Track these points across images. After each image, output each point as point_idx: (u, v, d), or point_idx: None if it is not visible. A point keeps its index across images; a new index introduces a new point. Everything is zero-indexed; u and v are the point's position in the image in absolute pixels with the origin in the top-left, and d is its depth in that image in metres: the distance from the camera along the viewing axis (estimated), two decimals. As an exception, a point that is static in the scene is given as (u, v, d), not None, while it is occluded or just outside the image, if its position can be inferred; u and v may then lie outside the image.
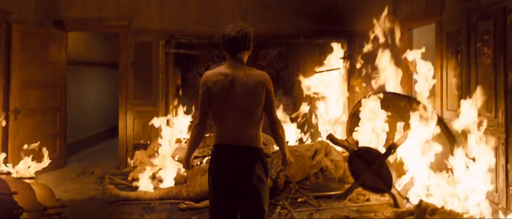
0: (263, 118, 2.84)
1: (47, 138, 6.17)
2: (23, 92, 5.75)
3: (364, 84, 6.37)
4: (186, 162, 3.00)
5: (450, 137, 4.55)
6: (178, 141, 6.13)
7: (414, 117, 4.61)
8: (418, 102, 4.70)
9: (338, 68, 6.71)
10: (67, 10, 6.59)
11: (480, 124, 4.00)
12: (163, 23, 6.66)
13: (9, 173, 4.21)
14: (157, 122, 6.00)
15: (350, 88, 6.62)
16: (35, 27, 6.09)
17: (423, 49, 5.11)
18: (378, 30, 6.03)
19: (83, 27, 6.80)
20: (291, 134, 6.35)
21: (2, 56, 5.48)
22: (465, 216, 3.72)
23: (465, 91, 4.52)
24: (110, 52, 8.57)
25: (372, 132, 4.83)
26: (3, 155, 4.78)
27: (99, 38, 8.74)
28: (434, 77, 5.10)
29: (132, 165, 6.05)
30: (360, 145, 4.80)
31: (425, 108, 4.61)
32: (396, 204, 4.30)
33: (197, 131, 2.87)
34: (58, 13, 6.57)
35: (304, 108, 6.67)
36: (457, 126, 4.25)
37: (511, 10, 3.87)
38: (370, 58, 6.44)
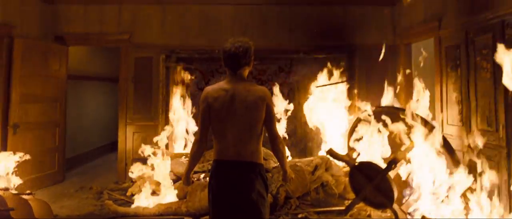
0: (263, 133, 2.83)
1: (46, 153, 6.16)
2: (23, 106, 5.74)
3: (364, 100, 6.36)
4: (186, 177, 2.98)
5: (451, 153, 4.53)
6: (178, 155, 6.10)
7: (415, 132, 4.59)
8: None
9: (338, 83, 6.71)
10: (68, 25, 6.63)
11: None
12: (164, 38, 6.69)
13: (6, 189, 4.18)
14: (162, 140, 5.92)
15: (351, 102, 6.61)
16: (37, 41, 6.12)
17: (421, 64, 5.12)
18: (378, 44, 6.06)
19: (84, 41, 6.83)
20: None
21: (3, 70, 5.50)
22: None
23: (465, 106, 4.51)
24: (111, 66, 8.60)
25: (373, 147, 4.80)
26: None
27: (100, 53, 8.77)
28: (433, 92, 5.10)
29: (131, 179, 6.01)
30: (361, 159, 4.77)
31: (425, 123, 4.59)
32: (397, 220, 4.25)
33: (198, 146, 2.86)
34: (60, 28, 6.61)
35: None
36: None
37: (509, 25, 3.89)
38: (370, 72, 6.47)
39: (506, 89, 3.82)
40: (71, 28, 6.63)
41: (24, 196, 4.10)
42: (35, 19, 6.23)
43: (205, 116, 2.80)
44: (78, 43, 6.81)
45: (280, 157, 2.90)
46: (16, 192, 4.33)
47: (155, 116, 6.62)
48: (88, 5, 6.63)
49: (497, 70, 3.96)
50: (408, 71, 5.70)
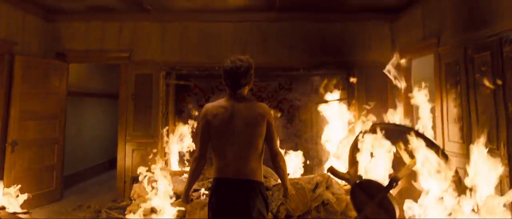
0: (264, 150, 2.81)
1: (44, 171, 6.12)
2: (22, 124, 5.73)
3: (365, 116, 6.36)
4: (186, 195, 2.96)
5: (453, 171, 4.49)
6: (177, 173, 6.06)
7: (418, 149, 4.56)
8: (413, 131, 4.64)
9: (339, 99, 6.71)
10: (70, 42, 6.66)
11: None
12: (164, 55, 6.72)
13: (3, 208, 4.13)
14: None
15: (351, 118, 6.60)
16: (37, 58, 6.15)
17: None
18: (378, 61, 6.08)
19: (84, 58, 6.84)
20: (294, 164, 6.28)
21: (4, 87, 5.51)
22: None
23: (466, 123, 4.50)
24: (111, 83, 8.61)
25: (374, 164, 4.77)
26: (-1, 188, 4.71)
27: (100, 69, 8.79)
28: (434, 108, 5.09)
29: (130, 198, 5.95)
30: (363, 177, 4.73)
31: (424, 140, 4.57)
32: (399, 239, 4.19)
33: (197, 164, 2.84)
34: (61, 45, 6.65)
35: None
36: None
37: (507, 42, 3.90)
38: (370, 89, 6.48)
39: (506, 106, 3.81)
40: (72, 45, 6.66)
41: (21, 216, 4.06)
42: (36, 36, 6.28)
43: (205, 133, 2.78)
44: (79, 60, 6.84)
45: (281, 173, 2.88)
46: (12, 211, 4.28)
47: (154, 133, 6.59)
48: (89, 22, 6.68)
49: (497, 87, 3.96)
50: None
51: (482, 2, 4.27)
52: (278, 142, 2.91)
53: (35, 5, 6.05)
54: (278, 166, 2.83)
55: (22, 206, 4.73)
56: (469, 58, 4.48)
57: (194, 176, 2.89)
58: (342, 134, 6.35)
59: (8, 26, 5.60)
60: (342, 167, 5.65)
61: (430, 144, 4.14)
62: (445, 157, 4.07)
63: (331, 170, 4.77)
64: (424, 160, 4.06)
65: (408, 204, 4.19)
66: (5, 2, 5.48)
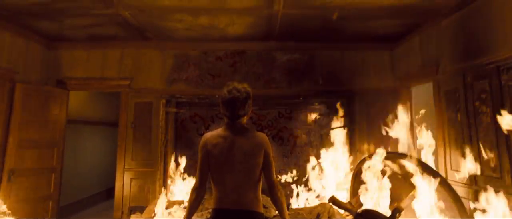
0: (262, 180, 2.79)
1: (40, 201, 6.01)
2: (20, 152, 5.67)
3: (365, 144, 6.34)
4: (185, 226, 2.90)
5: (457, 201, 4.43)
6: (177, 203, 5.97)
7: (418, 178, 4.52)
8: (420, 163, 4.61)
9: (339, 127, 6.69)
10: (70, 69, 6.70)
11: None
12: (164, 83, 6.73)
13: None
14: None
15: (352, 147, 6.57)
16: (38, 86, 6.16)
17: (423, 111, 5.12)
18: (378, 89, 6.10)
19: (85, 86, 6.85)
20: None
21: (3, 115, 5.49)
22: None
23: (467, 151, 4.47)
24: (111, 110, 8.61)
25: (375, 194, 4.71)
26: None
27: (100, 96, 8.81)
28: (435, 136, 5.07)
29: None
30: (364, 207, 4.66)
31: (423, 168, 4.52)
32: None
33: (196, 194, 2.80)
34: (61, 73, 6.68)
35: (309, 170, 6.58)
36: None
37: (504, 70, 3.92)
38: (371, 117, 6.48)
39: (508, 135, 3.80)
40: (73, 73, 6.69)
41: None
42: (37, 64, 6.32)
43: (204, 162, 2.77)
44: (79, 87, 6.85)
45: (279, 206, 2.84)
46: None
47: (154, 162, 6.53)
48: (90, 50, 6.72)
49: (497, 115, 3.96)
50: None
51: (479, 30, 4.32)
52: (274, 172, 2.88)
53: (37, 33, 6.11)
54: (275, 197, 2.80)
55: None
56: (468, 86, 4.49)
57: (193, 206, 2.84)
58: (343, 162, 6.30)
59: (10, 54, 5.64)
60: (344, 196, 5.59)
61: (434, 174, 4.11)
62: (449, 188, 4.03)
63: (332, 199, 4.71)
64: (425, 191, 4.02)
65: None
66: (7, 30, 5.54)
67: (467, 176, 4.46)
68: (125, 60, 6.75)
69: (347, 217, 5.14)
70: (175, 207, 5.58)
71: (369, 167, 4.70)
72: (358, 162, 5.37)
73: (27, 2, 4.67)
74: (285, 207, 2.90)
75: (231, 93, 2.76)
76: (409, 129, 5.95)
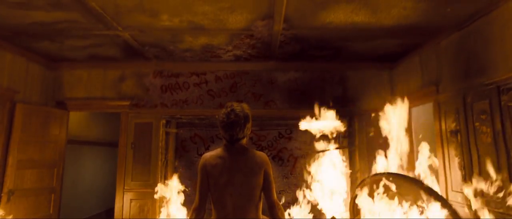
0: (262, 200, 2.76)
1: (39, 222, 5.97)
2: (19, 172, 5.65)
3: (365, 164, 6.30)
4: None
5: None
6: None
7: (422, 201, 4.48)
8: (425, 188, 4.56)
9: (339, 147, 6.67)
10: (71, 90, 6.73)
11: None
12: (164, 103, 6.75)
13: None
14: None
15: (352, 168, 6.53)
16: (38, 106, 6.17)
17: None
18: (377, 109, 6.08)
19: (85, 106, 6.87)
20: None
21: (3, 135, 5.49)
22: None
23: (468, 172, 4.43)
24: (110, 131, 8.62)
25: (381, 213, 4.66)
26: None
27: (100, 117, 8.82)
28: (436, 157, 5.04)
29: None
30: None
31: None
32: None
33: (196, 214, 2.77)
34: (62, 93, 6.71)
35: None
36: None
37: (504, 90, 3.92)
38: (371, 137, 6.45)
39: (508, 155, 3.77)
40: (73, 93, 6.72)
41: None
42: (38, 84, 6.34)
43: (204, 183, 2.75)
44: (79, 108, 6.86)
45: (279, 225, 2.80)
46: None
47: (154, 183, 6.49)
48: (91, 71, 6.76)
49: (498, 135, 3.94)
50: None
51: (479, 50, 4.33)
52: (275, 192, 2.85)
53: (37, 54, 6.14)
54: (276, 218, 2.76)
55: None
56: (468, 106, 4.48)
57: (192, 226, 2.81)
58: (342, 183, 6.25)
59: (10, 75, 5.67)
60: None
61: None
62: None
63: (333, 220, 4.66)
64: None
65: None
66: (8, 50, 5.57)
67: (468, 196, 4.41)
68: (125, 81, 6.79)
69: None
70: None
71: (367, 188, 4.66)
72: (358, 182, 5.33)
73: (27, 22, 4.72)
74: (285, 228, 2.87)
75: (229, 117, 2.74)
76: (409, 149, 5.93)
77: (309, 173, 6.48)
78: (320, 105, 6.47)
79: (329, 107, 6.65)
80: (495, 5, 3.96)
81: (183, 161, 7.08)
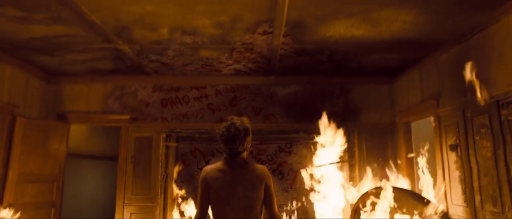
0: (263, 213, 2.76)
1: (38, 237, 5.92)
2: (20, 186, 5.63)
3: (366, 178, 6.27)
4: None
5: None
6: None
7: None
8: (427, 203, 4.57)
9: (339, 162, 6.64)
10: (71, 103, 6.75)
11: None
12: (164, 117, 6.75)
13: None
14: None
15: (352, 180, 6.50)
16: (38, 120, 6.19)
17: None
18: (377, 123, 6.09)
19: (85, 120, 6.87)
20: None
21: (3, 149, 5.48)
22: None
23: (468, 185, 4.42)
24: (110, 144, 8.59)
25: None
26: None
27: (100, 130, 8.81)
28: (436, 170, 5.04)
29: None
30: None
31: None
32: None
33: (197, 228, 2.77)
34: (62, 107, 6.73)
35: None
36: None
37: (504, 104, 3.92)
38: (370, 151, 6.44)
39: (508, 169, 3.76)
40: (73, 107, 6.74)
41: None
42: (38, 98, 6.36)
43: (204, 196, 2.75)
44: (79, 121, 6.86)
45: (280, 238, 2.80)
46: None
47: (154, 197, 6.47)
48: (91, 84, 6.79)
49: (497, 149, 3.94)
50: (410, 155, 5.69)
51: (477, 65, 4.34)
52: (276, 205, 2.85)
53: (37, 67, 6.16)
54: (277, 231, 2.75)
55: None
56: (468, 121, 4.49)
57: (193, 239, 2.80)
58: (343, 196, 6.23)
59: (10, 89, 5.67)
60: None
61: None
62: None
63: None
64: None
65: None
66: (8, 64, 5.58)
67: (468, 210, 4.39)
68: (126, 95, 6.81)
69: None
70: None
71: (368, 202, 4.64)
72: (359, 196, 5.31)
73: (27, 36, 4.75)
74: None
75: (230, 131, 2.75)
76: (409, 161, 5.93)
77: (309, 187, 6.46)
78: (320, 119, 6.44)
79: (329, 121, 6.66)
80: (495, 19, 3.98)
81: (183, 175, 7.05)
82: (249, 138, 2.81)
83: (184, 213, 6.44)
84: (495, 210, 3.92)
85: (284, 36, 4.74)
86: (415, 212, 4.34)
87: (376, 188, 5.01)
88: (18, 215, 5.03)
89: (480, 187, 4.21)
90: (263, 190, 2.73)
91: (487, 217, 4.00)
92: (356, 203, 5.03)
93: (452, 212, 4.75)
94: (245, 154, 2.85)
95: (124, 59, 5.76)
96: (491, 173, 4.02)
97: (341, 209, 6.15)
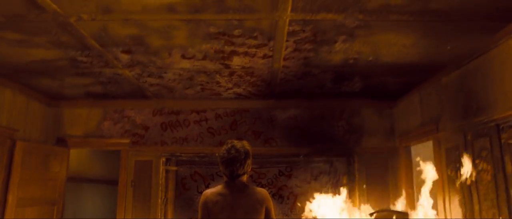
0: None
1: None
2: (19, 210, 5.56)
3: (365, 203, 6.23)
4: None
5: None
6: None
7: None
8: None
9: (339, 186, 6.62)
10: (71, 127, 6.75)
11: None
12: (164, 141, 6.75)
13: None
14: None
15: (352, 204, 6.46)
16: (38, 144, 6.18)
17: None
18: (377, 147, 6.08)
19: (85, 144, 6.87)
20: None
21: (3, 173, 5.45)
22: None
23: (469, 210, 4.38)
24: (110, 168, 8.55)
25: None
26: None
27: (100, 154, 8.79)
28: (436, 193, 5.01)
29: None
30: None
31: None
32: None
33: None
34: (62, 130, 6.73)
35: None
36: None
37: (504, 128, 3.93)
38: (371, 175, 6.41)
39: (508, 193, 3.74)
40: (73, 131, 6.74)
41: None
42: (38, 122, 6.36)
43: (205, 219, 2.72)
44: (79, 145, 6.86)
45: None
46: None
47: (153, 221, 6.41)
48: (91, 108, 6.80)
49: (498, 173, 3.92)
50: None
51: (478, 88, 4.35)
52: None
53: (38, 91, 6.18)
54: (276, 255, 2.72)
55: None
56: (468, 144, 4.48)
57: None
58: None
59: (10, 112, 5.66)
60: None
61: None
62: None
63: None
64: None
65: None
66: (8, 88, 5.58)
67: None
68: (125, 119, 6.81)
69: None
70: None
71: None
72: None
73: (27, 60, 4.76)
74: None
75: (230, 153, 2.76)
76: (409, 185, 5.89)
77: (309, 211, 6.41)
78: (320, 143, 6.41)
79: (329, 145, 6.64)
80: (494, 43, 4.01)
81: (183, 199, 7.01)
82: (250, 161, 2.81)
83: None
84: (496, 235, 3.88)
85: (284, 59, 4.76)
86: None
87: (377, 211, 4.97)
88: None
89: (480, 211, 4.17)
90: (264, 213, 2.71)
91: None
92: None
93: (453, 236, 4.70)
94: (245, 177, 2.84)
95: (124, 83, 5.78)
96: (491, 197, 3.99)
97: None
